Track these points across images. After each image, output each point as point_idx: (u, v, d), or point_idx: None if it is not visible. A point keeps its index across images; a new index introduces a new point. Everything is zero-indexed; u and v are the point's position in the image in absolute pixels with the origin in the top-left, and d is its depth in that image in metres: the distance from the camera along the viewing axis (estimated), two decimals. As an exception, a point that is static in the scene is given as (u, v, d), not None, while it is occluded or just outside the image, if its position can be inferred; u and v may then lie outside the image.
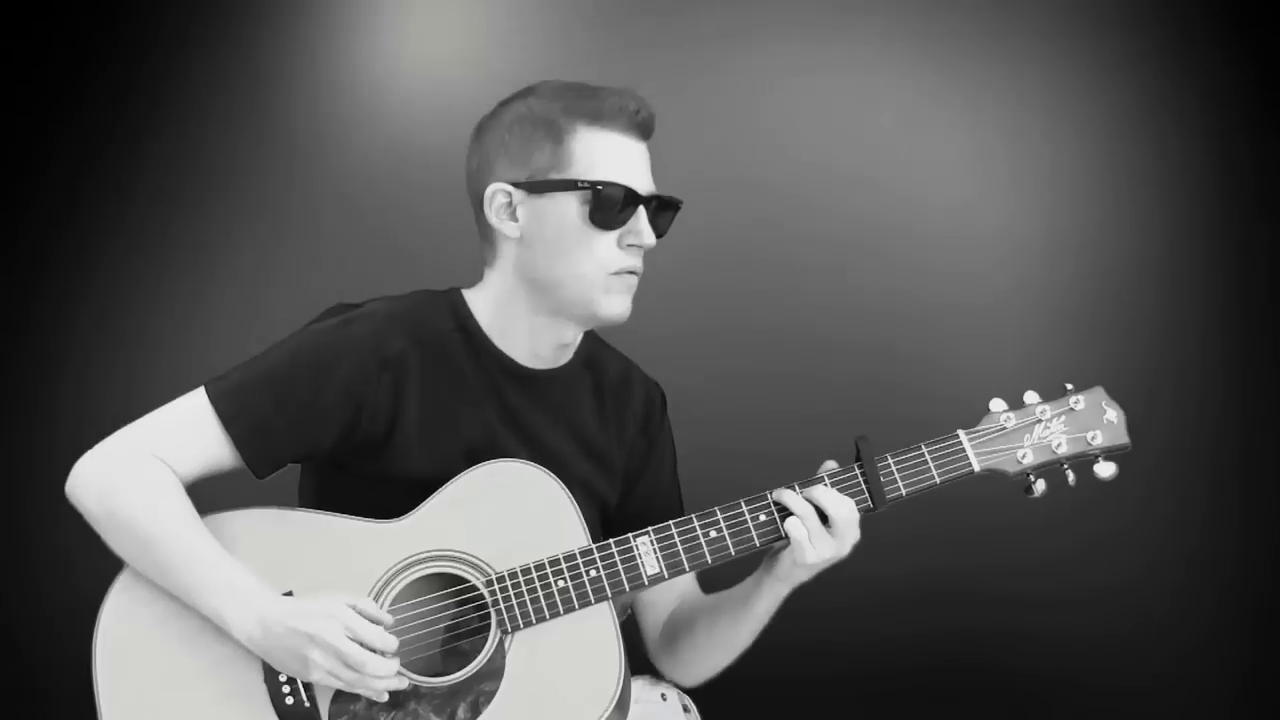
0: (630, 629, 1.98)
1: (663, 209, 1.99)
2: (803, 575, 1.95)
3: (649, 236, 1.96)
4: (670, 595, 2.13)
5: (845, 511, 1.91)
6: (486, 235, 2.02)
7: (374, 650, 1.80)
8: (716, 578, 2.09)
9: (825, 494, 1.92)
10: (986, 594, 3.11)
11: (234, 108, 3.16)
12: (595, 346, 2.13)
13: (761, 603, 1.99)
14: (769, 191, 3.14)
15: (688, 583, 2.14)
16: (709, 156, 3.07)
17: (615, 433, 2.11)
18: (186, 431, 1.90)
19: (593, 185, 1.92)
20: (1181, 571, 3.13)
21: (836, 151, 3.16)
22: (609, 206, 1.92)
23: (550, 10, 3.19)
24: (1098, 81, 3.15)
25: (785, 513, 1.92)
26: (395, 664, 1.82)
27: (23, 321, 3.14)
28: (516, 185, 1.96)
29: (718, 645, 2.06)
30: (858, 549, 1.93)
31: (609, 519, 2.11)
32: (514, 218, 1.97)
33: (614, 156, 1.94)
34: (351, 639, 1.79)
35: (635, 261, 1.97)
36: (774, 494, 1.94)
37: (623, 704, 1.89)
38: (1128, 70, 3.15)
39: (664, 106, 2.02)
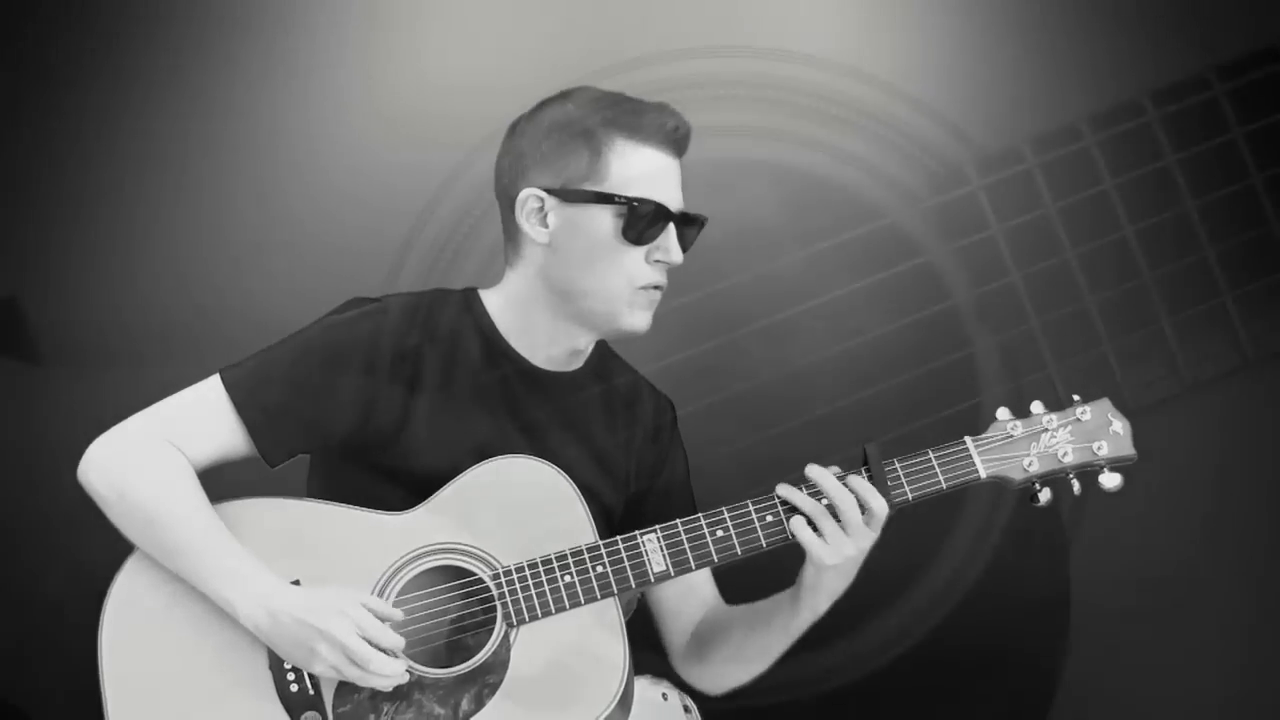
0: (636, 627, 1.97)
1: (689, 225, 2.00)
2: (833, 581, 1.93)
3: (677, 254, 1.98)
4: (695, 604, 2.12)
5: (853, 514, 1.89)
6: (512, 236, 2.02)
7: (382, 649, 1.81)
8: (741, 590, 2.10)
9: (834, 487, 1.90)
10: (992, 592, 3.12)
11: (240, 103, 3.18)
12: (606, 357, 2.14)
13: (800, 615, 1.98)
14: (775, 196, 3.15)
15: (711, 592, 2.13)
16: (720, 157, 3.09)
17: (623, 442, 2.11)
18: (200, 417, 1.91)
19: (629, 201, 1.93)
20: (1186, 571, 3.14)
21: (847, 152, 3.17)
22: (641, 223, 1.94)
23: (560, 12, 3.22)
24: (1112, 87, 3.18)
25: (791, 510, 1.92)
26: (402, 664, 1.82)
27: (30, 308, 3.15)
28: (550, 192, 1.96)
29: (755, 657, 2.05)
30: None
31: (621, 527, 2.09)
32: (544, 224, 1.97)
33: (649, 173, 1.95)
34: (360, 636, 1.80)
35: (661, 277, 1.99)
36: (780, 489, 1.93)
37: (625, 701, 1.89)
38: (1142, 72, 3.18)
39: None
